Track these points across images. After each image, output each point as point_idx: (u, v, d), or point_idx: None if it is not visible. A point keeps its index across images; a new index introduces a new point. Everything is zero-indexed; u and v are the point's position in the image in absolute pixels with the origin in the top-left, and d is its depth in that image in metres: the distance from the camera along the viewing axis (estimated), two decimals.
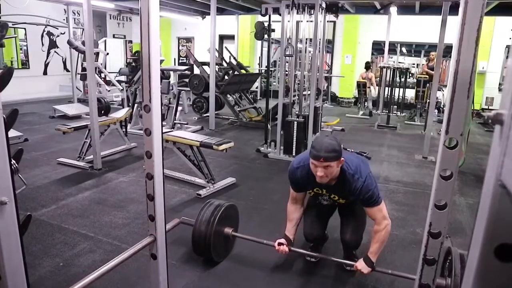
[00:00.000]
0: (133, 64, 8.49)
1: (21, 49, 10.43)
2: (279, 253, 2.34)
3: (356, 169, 2.10)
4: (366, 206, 2.14)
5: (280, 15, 5.03)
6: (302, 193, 2.35)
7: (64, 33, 10.55)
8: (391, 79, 8.12)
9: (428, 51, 10.69)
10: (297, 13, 4.89)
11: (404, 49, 11.68)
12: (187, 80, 8.22)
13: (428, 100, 7.11)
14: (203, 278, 2.42)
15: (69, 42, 8.26)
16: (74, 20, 10.60)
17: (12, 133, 5.07)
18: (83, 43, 7.34)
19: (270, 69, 7.92)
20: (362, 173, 2.09)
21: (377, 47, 10.92)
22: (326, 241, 2.68)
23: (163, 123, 6.05)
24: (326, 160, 1.96)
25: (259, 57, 11.93)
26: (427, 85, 8.06)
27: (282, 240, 2.32)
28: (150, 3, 1.48)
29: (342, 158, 2.02)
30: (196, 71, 8.41)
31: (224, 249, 2.62)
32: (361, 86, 9.19)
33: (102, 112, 6.45)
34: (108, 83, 9.07)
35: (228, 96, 7.88)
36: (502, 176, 0.47)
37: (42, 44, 10.76)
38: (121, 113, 5.25)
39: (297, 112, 5.18)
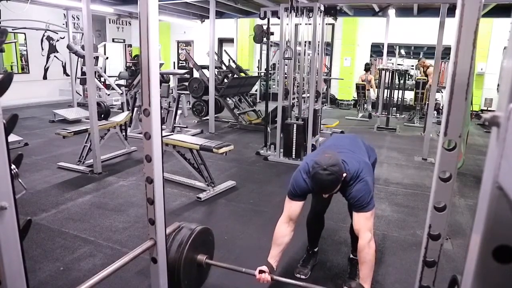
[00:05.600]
0: (133, 68, 8.53)
1: (21, 54, 10.45)
2: (260, 282, 2.05)
3: (353, 175, 2.05)
4: (354, 210, 2.09)
5: (279, 18, 5.04)
6: (300, 204, 2.15)
7: (64, 37, 10.58)
8: (390, 81, 8.14)
9: (427, 52, 10.71)
10: (296, 16, 4.91)
11: (403, 51, 11.69)
12: (186, 83, 8.24)
13: (427, 102, 7.11)
14: None
15: (68, 47, 8.28)
16: (74, 24, 10.62)
17: (12, 137, 5.07)
18: (82, 47, 7.35)
19: (269, 72, 7.93)
20: (358, 178, 2.04)
21: (376, 49, 10.93)
22: (322, 229, 2.65)
23: (163, 126, 6.04)
24: (329, 193, 2.08)
25: (258, 60, 11.93)
26: (426, 86, 8.08)
27: (264, 268, 2.05)
28: (149, 7, 1.49)
29: (344, 175, 1.99)
30: (196, 74, 8.43)
31: (196, 280, 2.23)
32: (360, 88, 9.21)
33: (102, 116, 6.47)
34: (108, 87, 9.08)
35: (228, 99, 7.89)
36: (499, 178, 0.48)
37: (42, 49, 10.79)
38: (121, 117, 5.25)
39: (296, 115, 5.19)
